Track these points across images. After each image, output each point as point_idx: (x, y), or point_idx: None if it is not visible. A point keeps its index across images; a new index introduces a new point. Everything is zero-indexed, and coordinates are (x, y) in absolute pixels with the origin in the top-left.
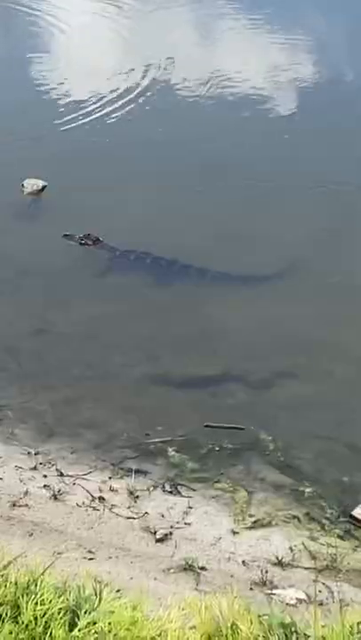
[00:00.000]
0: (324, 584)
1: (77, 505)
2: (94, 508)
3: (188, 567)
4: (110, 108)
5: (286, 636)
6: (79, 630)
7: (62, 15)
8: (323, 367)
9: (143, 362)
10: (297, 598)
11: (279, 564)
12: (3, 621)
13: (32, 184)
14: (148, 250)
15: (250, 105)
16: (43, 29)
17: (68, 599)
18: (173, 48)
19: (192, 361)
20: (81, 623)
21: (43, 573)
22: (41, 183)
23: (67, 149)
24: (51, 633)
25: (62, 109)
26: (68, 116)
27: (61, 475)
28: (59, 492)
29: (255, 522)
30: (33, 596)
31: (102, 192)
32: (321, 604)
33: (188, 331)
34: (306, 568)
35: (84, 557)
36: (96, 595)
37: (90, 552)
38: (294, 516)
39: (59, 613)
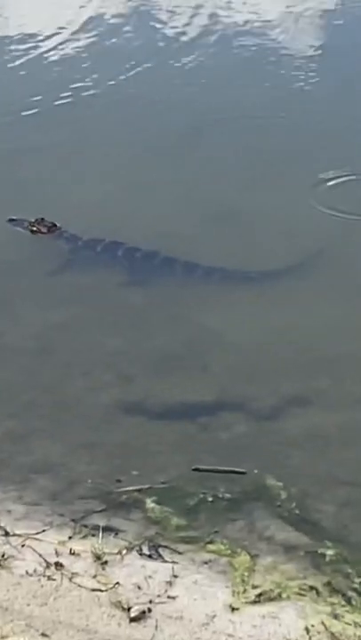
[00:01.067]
0: None
1: (27, 573)
2: (49, 578)
3: None
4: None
5: None
6: None
7: None
8: (346, 391)
9: (113, 384)
10: None
11: None
12: None
13: None
14: (118, 239)
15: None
16: None
17: None
18: None
19: (176, 383)
20: None
21: None
22: None
23: (10, 100)
24: None
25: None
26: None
27: (6, 534)
28: (3, 556)
29: (260, 595)
30: None
31: (59, 162)
32: None
33: (172, 343)
34: None
35: None
36: None
37: (43, 635)
38: (311, 587)
39: None
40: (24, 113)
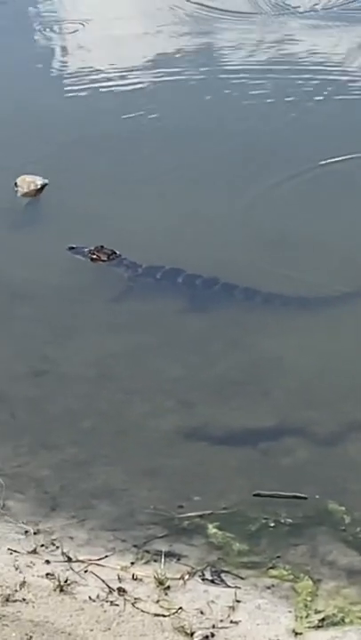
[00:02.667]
0: None
1: (90, 599)
2: (112, 603)
3: None
4: (128, 82)
5: None
6: None
7: None
8: None
9: (174, 410)
10: None
11: None
12: None
13: (28, 182)
14: (178, 265)
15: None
16: None
17: None
18: None
19: (237, 408)
20: None
21: None
22: (39, 181)
23: (72, 137)
24: None
25: (68, 84)
26: (74, 93)
27: (69, 560)
28: (66, 582)
29: (323, 619)
30: None
31: (118, 191)
32: None
33: (232, 369)
34: None
35: None
36: None
37: None
38: None
39: None
40: (86, 142)
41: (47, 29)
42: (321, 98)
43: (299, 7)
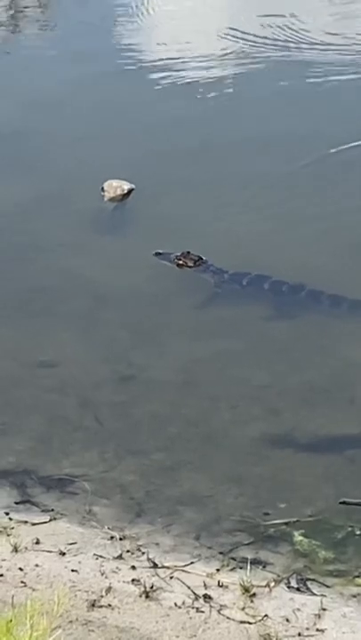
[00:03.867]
0: None
1: (176, 605)
2: (198, 610)
3: None
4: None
5: None
6: None
7: None
8: None
9: (259, 417)
10: None
11: None
12: None
13: (115, 187)
14: (264, 272)
15: None
16: None
17: None
18: None
19: (324, 415)
20: None
21: None
22: (126, 186)
23: (160, 141)
24: None
25: (156, 85)
26: (162, 95)
27: (155, 566)
28: (151, 588)
29: None
30: None
31: (204, 197)
32: None
33: (319, 376)
34: None
35: None
36: None
37: None
38: None
39: None
40: (174, 148)
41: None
42: None
43: None
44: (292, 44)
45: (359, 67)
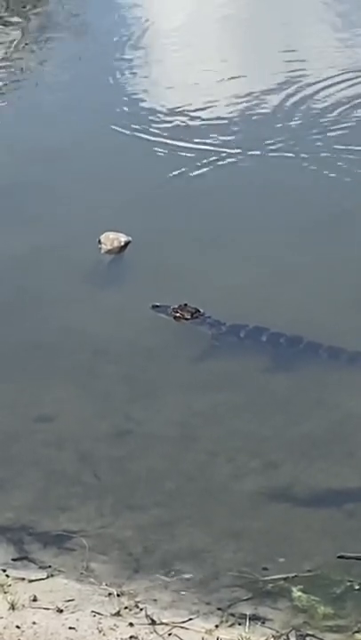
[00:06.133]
0: None
1: None
2: None
3: None
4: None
5: None
6: None
7: None
8: None
9: (258, 471)
10: None
11: None
12: None
13: (111, 239)
14: (262, 324)
15: None
16: None
17: None
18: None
19: (322, 469)
20: None
21: None
22: (123, 238)
23: (156, 194)
24: None
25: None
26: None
27: (153, 622)
28: None
29: None
30: None
31: (201, 250)
32: None
33: (317, 429)
34: None
35: None
36: None
37: None
38: None
39: None
40: (170, 199)
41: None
42: None
43: None
44: None
45: None
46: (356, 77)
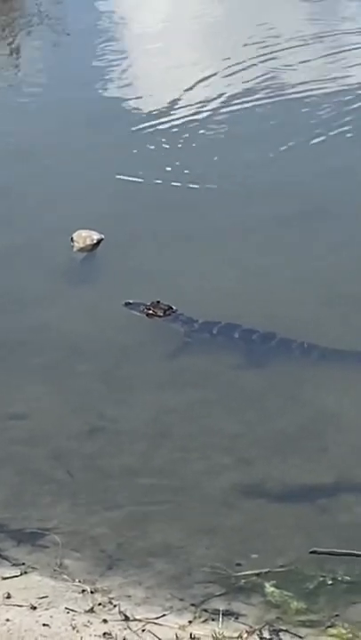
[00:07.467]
0: None
1: None
2: None
3: None
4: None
5: None
6: None
7: None
8: None
9: (231, 468)
10: None
11: None
12: None
13: (84, 237)
14: (234, 321)
15: None
16: None
17: None
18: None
19: (296, 465)
20: None
21: None
22: (95, 236)
23: (129, 192)
24: None
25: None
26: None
27: (126, 619)
28: None
29: None
30: None
31: (174, 246)
32: None
33: (291, 425)
34: None
35: None
36: None
37: None
38: None
39: None
40: (143, 197)
41: None
42: None
43: None
44: None
45: None
46: None
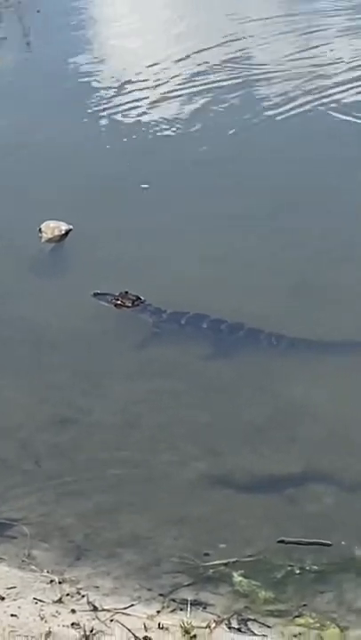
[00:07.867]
0: None
1: None
2: None
3: None
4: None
5: None
6: None
7: None
8: None
9: (199, 458)
10: None
11: None
12: None
13: (52, 228)
14: (203, 311)
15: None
16: None
17: None
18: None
19: (264, 455)
20: None
21: None
22: (64, 227)
23: (97, 181)
24: None
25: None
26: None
27: (95, 609)
28: (91, 631)
29: None
30: None
31: (142, 237)
32: None
33: (259, 415)
34: None
35: None
36: None
37: None
38: None
39: None
40: (111, 187)
41: None
42: None
43: None
44: None
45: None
46: None
